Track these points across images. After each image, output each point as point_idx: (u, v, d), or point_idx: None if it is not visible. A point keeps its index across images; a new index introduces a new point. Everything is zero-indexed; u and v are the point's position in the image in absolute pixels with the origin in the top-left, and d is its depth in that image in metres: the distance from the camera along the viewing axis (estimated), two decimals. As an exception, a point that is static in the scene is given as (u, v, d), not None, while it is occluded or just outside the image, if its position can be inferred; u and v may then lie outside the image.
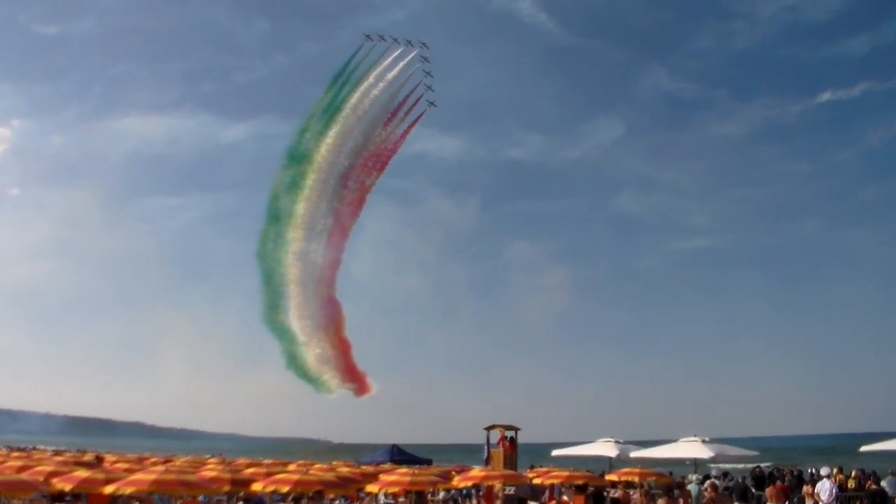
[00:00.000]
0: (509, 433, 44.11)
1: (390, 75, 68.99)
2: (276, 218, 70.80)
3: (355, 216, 70.78)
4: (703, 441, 34.47)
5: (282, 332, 73.21)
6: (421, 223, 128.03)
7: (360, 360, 76.22)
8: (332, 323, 73.55)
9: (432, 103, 70.68)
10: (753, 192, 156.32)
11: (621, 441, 41.17)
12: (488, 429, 44.52)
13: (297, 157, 68.91)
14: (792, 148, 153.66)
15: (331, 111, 67.81)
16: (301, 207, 69.59)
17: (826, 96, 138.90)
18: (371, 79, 68.82)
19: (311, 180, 68.59)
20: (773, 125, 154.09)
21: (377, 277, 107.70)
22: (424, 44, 69.65)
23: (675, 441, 36.46)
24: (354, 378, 75.68)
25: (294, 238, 70.61)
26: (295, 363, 74.34)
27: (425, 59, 69.61)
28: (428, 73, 70.03)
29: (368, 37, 69.26)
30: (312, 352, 73.76)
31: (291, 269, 71.34)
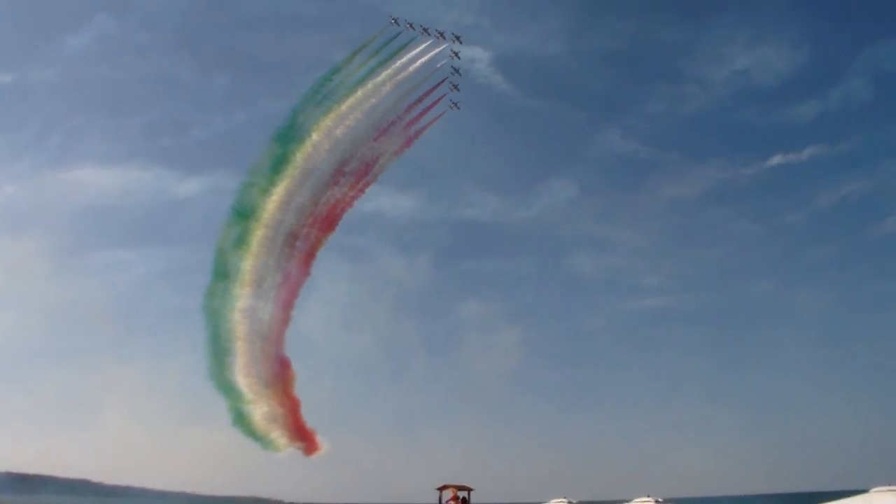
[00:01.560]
0: (462, 493, 43.82)
1: (413, 67, 67.41)
2: (222, 274, 69.59)
3: (305, 273, 70.00)
4: (657, 501, 34.62)
5: (228, 390, 71.48)
6: (373, 281, 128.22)
7: (310, 418, 74.80)
8: (280, 380, 72.15)
9: (455, 105, 69.14)
10: (705, 252, 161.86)
11: (574, 501, 41.11)
12: (441, 489, 44.21)
13: (244, 213, 68.14)
14: (743, 209, 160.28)
15: (281, 164, 67.00)
16: (248, 264, 68.68)
17: (776, 160, 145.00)
18: (390, 70, 67.09)
19: (258, 236, 67.87)
20: (725, 187, 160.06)
21: (328, 334, 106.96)
22: (458, 37, 68.18)
23: (628, 501, 36.54)
24: (304, 436, 74.06)
25: (241, 295, 69.49)
26: (242, 421, 72.52)
27: (455, 54, 68.16)
28: (456, 71, 68.20)
29: (395, 21, 67.14)
30: (260, 409, 72.10)
31: (238, 325, 69.99)
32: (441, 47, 68.03)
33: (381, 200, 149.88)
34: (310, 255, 69.45)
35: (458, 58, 68.45)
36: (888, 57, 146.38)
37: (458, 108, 69.82)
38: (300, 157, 66.10)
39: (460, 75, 68.63)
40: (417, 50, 67.94)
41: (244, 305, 69.68)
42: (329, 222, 68.93)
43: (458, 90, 68.97)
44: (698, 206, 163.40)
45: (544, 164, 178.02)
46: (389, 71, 67.39)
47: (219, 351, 70.75)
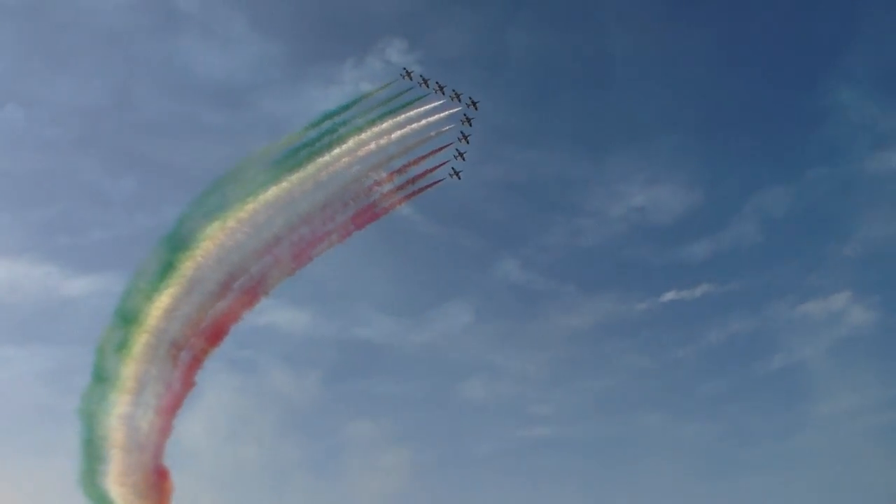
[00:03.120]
0: None
1: (416, 125, 65.42)
2: (102, 378, 65.69)
3: (189, 383, 66.16)
4: None
5: (99, 498, 67.30)
6: (261, 395, 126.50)
7: (188, 533, 70.75)
8: (156, 491, 68.05)
9: (457, 173, 67.02)
10: (597, 383, 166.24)
11: None
12: None
13: (127, 318, 64.53)
14: (636, 343, 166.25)
15: (168, 270, 63.35)
16: (129, 370, 64.89)
17: (669, 296, 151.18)
18: (390, 122, 65.06)
19: (140, 342, 64.17)
20: (618, 320, 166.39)
21: (211, 446, 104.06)
22: (474, 103, 66.11)
23: None
24: (179, 551, 69.76)
25: (120, 401, 65.56)
26: (113, 532, 68.05)
27: (468, 120, 66.16)
28: (464, 137, 66.23)
29: (408, 73, 65.76)
30: (133, 521, 67.80)
31: (115, 432, 66.00)
32: (452, 110, 66.51)
33: (276, 314, 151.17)
34: (195, 365, 65.82)
35: (471, 125, 66.72)
36: (776, 203, 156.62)
37: (459, 179, 67.68)
38: (189, 266, 62.85)
39: (468, 143, 66.84)
40: (424, 108, 66.45)
41: (123, 412, 65.83)
42: (216, 334, 65.36)
43: (465, 159, 67.19)
44: (591, 338, 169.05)
45: (442, 289, 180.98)
46: (376, 129, 65.48)
47: (92, 457, 66.85)
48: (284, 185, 62.04)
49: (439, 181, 68.06)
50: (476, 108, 66.58)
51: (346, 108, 63.32)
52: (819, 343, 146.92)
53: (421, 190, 68.09)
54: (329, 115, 63.24)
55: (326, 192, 62.71)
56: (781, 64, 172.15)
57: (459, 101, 66.68)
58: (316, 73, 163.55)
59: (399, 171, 66.97)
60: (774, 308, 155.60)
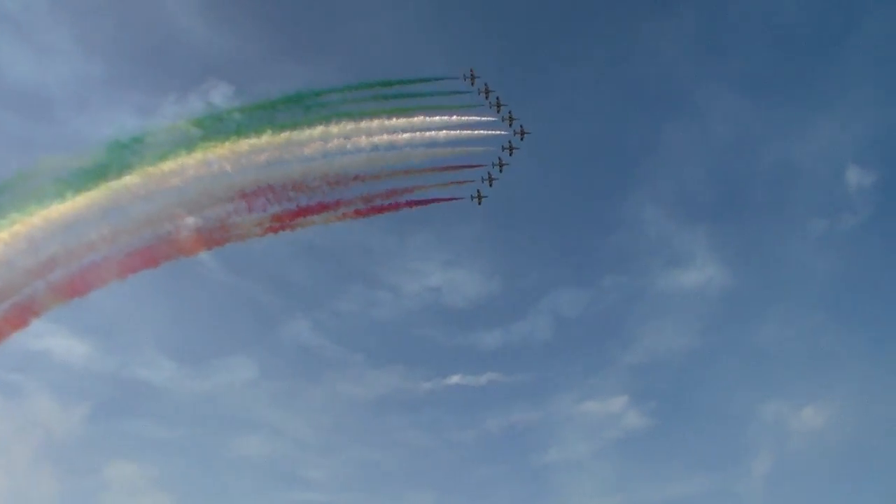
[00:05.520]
0: None
1: (441, 134, 60.55)
2: None
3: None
4: None
5: None
6: (20, 422, 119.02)
7: None
8: None
9: (479, 197, 63.93)
10: (374, 454, 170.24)
11: None
12: None
13: None
14: (417, 420, 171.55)
15: None
16: None
17: (455, 379, 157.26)
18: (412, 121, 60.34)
19: None
20: (402, 396, 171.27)
21: None
22: (524, 132, 63.05)
23: None
24: None
25: None
26: None
27: (511, 147, 63.14)
28: (502, 164, 63.19)
29: (472, 76, 62.08)
30: None
31: None
32: (498, 131, 63.15)
33: (52, 341, 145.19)
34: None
35: (511, 153, 63.83)
36: (570, 304, 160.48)
37: (480, 204, 64.57)
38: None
39: (501, 171, 64.06)
40: (468, 119, 62.30)
41: None
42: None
43: (492, 185, 64.22)
44: (373, 410, 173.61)
45: (229, 340, 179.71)
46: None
47: None
48: (72, 204, 56.43)
49: (458, 199, 64.67)
50: (522, 139, 63.91)
51: (151, 134, 58.68)
52: (593, 442, 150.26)
53: (431, 201, 63.87)
54: (139, 139, 58.28)
55: (118, 220, 57.76)
56: (591, 172, 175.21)
57: (511, 125, 63.62)
58: (134, 101, 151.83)
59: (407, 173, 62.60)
60: (556, 403, 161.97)
